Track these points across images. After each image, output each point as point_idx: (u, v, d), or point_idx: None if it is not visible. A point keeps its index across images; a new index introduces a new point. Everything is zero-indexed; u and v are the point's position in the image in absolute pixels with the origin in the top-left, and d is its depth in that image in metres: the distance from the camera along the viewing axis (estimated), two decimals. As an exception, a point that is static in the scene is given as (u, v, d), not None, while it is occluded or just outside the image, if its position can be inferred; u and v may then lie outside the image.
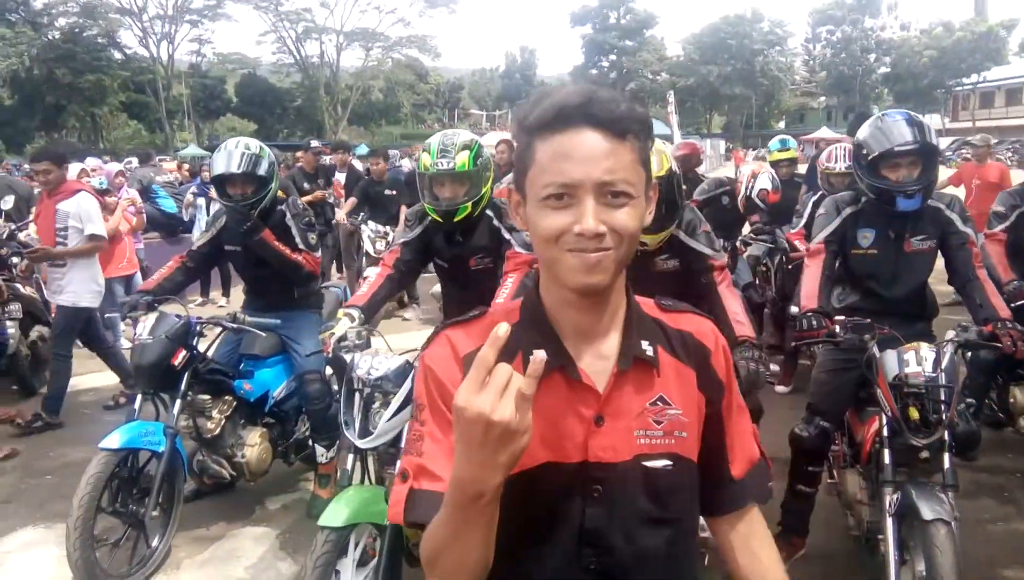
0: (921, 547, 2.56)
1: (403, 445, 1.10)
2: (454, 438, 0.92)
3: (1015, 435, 4.49)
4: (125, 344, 7.70)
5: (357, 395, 2.83)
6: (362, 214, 8.58)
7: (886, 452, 2.86)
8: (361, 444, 2.75)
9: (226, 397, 3.93)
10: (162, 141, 47.76)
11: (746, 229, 6.30)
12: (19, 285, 6.32)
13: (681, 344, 1.20)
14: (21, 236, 6.60)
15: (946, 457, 2.76)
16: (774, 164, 6.44)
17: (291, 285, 4.18)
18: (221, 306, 9.06)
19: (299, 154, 10.49)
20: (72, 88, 45.96)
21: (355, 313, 3.15)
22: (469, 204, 3.21)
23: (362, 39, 56.58)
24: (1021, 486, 4.28)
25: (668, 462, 1.14)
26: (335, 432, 4.25)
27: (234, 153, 3.88)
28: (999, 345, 2.91)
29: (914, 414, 2.77)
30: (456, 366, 1.13)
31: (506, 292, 3.12)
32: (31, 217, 6.56)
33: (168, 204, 9.31)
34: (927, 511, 2.56)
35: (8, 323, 6.07)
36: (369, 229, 8.56)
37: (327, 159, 10.67)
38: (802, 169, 7.18)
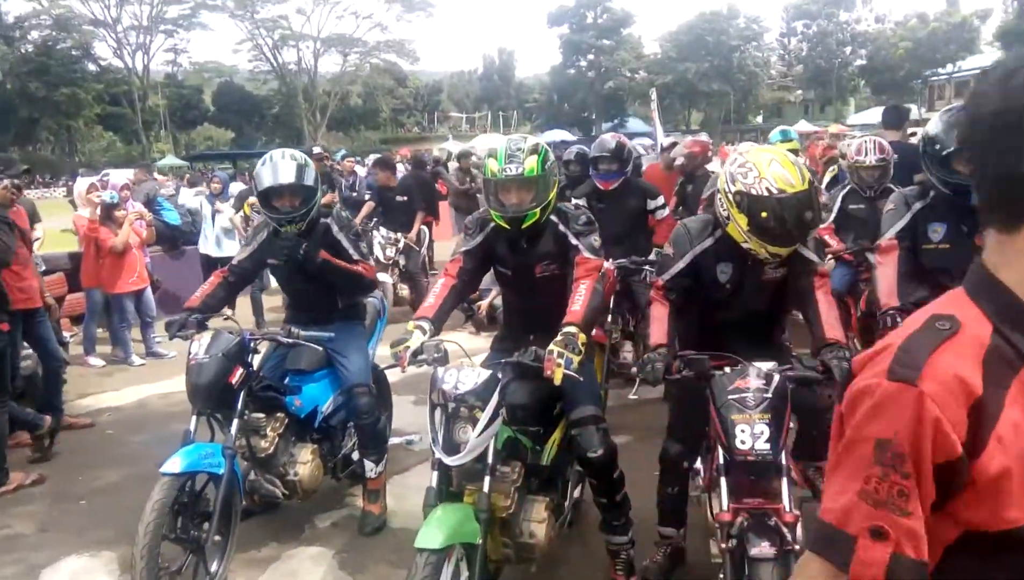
0: None
1: (862, 492, 0.93)
2: None
3: None
4: (136, 361, 7.56)
5: (439, 410, 2.73)
6: (375, 220, 8.49)
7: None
8: (450, 461, 2.66)
9: (278, 414, 3.82)
10: (139, 152, 47.12)
11: None
12: None
13: None
14: None
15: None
16: None
17: (335, 297, 4.10)
18: (227, 318, 8.85)
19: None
20: (46, 101, 45.45)
21: (426, 325, 3.07)
22: (537, 210, 3.13)
23: (340, 45, 56.31)
24: None
25: None
26: (384, 446, 4.18)
27: (280, 164, 3.79)
28: None
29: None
30: (962, 407, 0.90)
31: (581, 298, 3.04)
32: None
33: (172, 216, 9.14)
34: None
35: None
36: (380, 235, 8.48)
37: (327, 164, 10.54)
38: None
